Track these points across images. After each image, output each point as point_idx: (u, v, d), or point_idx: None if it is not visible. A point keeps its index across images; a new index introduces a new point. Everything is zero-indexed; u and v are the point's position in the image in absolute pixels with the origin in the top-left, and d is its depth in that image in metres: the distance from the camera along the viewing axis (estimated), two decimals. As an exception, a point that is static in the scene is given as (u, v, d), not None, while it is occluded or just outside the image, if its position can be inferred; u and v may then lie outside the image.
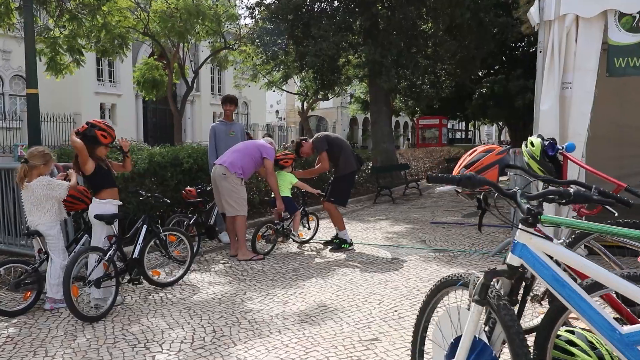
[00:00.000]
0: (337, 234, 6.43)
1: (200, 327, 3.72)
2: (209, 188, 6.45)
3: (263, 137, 6.86)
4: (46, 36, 12.45)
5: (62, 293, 3.84)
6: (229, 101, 6.78)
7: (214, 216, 6.40)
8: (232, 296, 4.46)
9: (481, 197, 2.24)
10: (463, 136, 50.74)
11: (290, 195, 6.56)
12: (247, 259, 5.78)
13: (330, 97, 24.59)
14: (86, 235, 4.54)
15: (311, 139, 6.69)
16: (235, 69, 25.51)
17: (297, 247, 6.55)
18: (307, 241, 6.82)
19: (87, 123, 4.18)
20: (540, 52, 5.59)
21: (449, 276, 2.10)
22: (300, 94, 25.96)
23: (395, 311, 3.99)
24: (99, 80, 29.96)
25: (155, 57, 18.40)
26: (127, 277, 4.37)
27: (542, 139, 3.50)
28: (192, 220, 5.91)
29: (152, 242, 4.66)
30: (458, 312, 2.06)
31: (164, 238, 4.78)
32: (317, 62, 14.23)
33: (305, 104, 25.39)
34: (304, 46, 14.07)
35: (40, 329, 3.75)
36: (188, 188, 6.21)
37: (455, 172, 2.34)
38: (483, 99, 26.08)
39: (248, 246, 5.97)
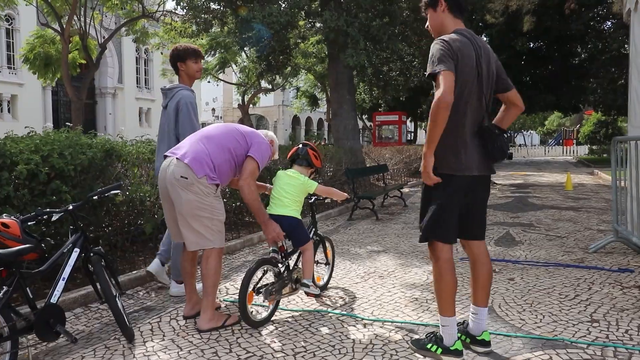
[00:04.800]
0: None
1: None
2: (54, 217, 3.00)
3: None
4: None
5: None
6: (195, 54, 3.98)
7: (63, 282, 2.91)
8: None
9: None
10: (411, 137, 49.05)
11: (299, 217, 3.50)
12: (219, 327, 3.23)
13: (275, 88, 21.22)
14: None
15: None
16: (162, 53, 21.68)
17: (311, 299, 3.70)
18: (326, 285, 4.02)
19: None
20: None
21: None
22: (240, 85, 22.44)
23: None
24: (-6, 66, 24.96)
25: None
26: None
27: None
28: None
29: None
30: None
31: None
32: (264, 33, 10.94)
33: (246, 97, 21.91)
34: (248, 11, 10.69)
35: None
36: (3, 219, 2.74)
37: None
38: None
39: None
